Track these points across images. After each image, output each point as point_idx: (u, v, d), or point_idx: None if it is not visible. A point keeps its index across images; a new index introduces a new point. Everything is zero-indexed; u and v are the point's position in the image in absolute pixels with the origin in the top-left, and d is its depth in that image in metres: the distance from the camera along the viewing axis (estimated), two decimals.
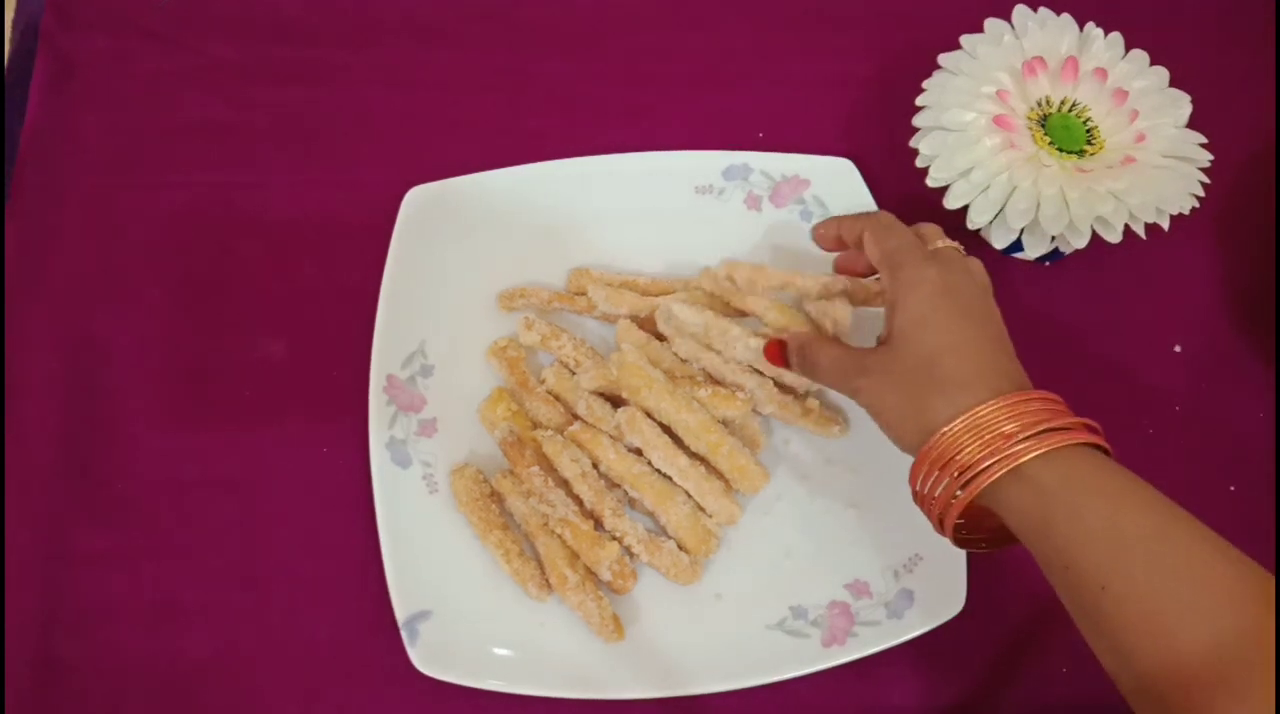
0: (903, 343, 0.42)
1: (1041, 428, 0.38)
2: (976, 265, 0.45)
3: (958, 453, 0.39)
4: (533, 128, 0.58)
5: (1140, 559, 0.36)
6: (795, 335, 0.48)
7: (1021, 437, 0.38)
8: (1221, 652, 0.34)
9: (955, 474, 0.39)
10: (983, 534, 0.43)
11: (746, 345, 0.50)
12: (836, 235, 0.49)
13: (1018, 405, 0.39)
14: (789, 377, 0.50)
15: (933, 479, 0.40)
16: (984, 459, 0.38)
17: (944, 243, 0.46)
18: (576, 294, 0.54)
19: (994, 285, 0.45)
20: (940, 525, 0.41)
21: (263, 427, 0.53)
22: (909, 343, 0.42)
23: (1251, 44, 0.62)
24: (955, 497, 0.39)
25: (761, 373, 0.51)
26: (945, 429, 0.39)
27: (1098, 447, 0.39)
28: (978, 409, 0.39)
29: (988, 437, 0.38)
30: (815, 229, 0.50)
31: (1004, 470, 0.38)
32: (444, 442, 0.52)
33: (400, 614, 0.48)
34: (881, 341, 0.44)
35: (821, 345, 0.46)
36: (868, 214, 0.48)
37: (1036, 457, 0.38)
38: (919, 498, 0.42)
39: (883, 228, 0.46)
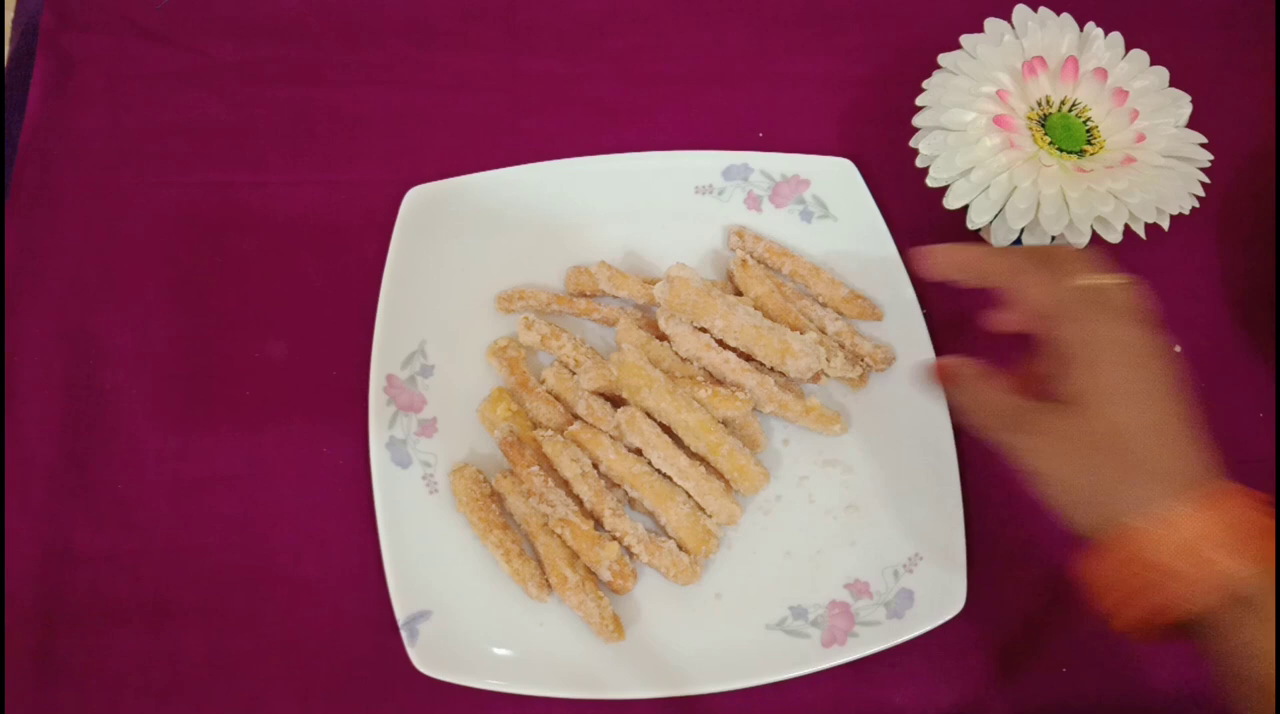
0: (1089, 409, 0.38)
1: (1246, 534, 0.35)
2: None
3: (1156, 558, 0.36)
4: (533, 128, 0.58)
5: None
6: (959, 364, 0.44)
7: (1227, 547, 0.35)
8: None
9: (1151, 581, 0.36)
10: (1161, 626, 0.38)
11: (748, 311, 0.51)
12: (960, 268, 0.42)
13: (1222, 508, 0.36)
14: (792, 370, 0.51)
15: (1117, 575, 0.37)
16: (1189, 572, 0.35)
17: (1107, 279, 0.40)
18: (576, 296, 0.54)
19: None
20: (1119, 621, 0.38)
21: (263, 426, 0.53)
22: (1096, 411, 0.38)
23: (1251, 44, 0.62)
24: (1149, 601, 0.36)
25: (762, 372, 0.51)
26: (1143, 526, 0.36)
27: None
28: (1181, 510, 0.36)
29: (1193, 549, 0.35)
30: (928, 257, 0.43)
31: (1214, 592, 0.35)
32: (444, 442, 0.52)
33: (400, 614, 0.48)
34: (1052, 398, 0.39)
35: (986, 384, 0.42)
36: (1014, 250, 0.43)
37: (1246, 572, 0.35)
38: (1092, 585, 0.38)
39: (1041, 269, 0.41)
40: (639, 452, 0.50)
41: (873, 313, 0.54)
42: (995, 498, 0.52)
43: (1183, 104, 0.51)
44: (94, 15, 0.60)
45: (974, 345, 0.54)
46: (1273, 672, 0.34)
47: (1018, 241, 0.52)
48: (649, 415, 0.50)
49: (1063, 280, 0.40)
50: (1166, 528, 0.36)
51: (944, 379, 0.45)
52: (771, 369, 0.52)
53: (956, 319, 0.55)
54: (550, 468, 0.50)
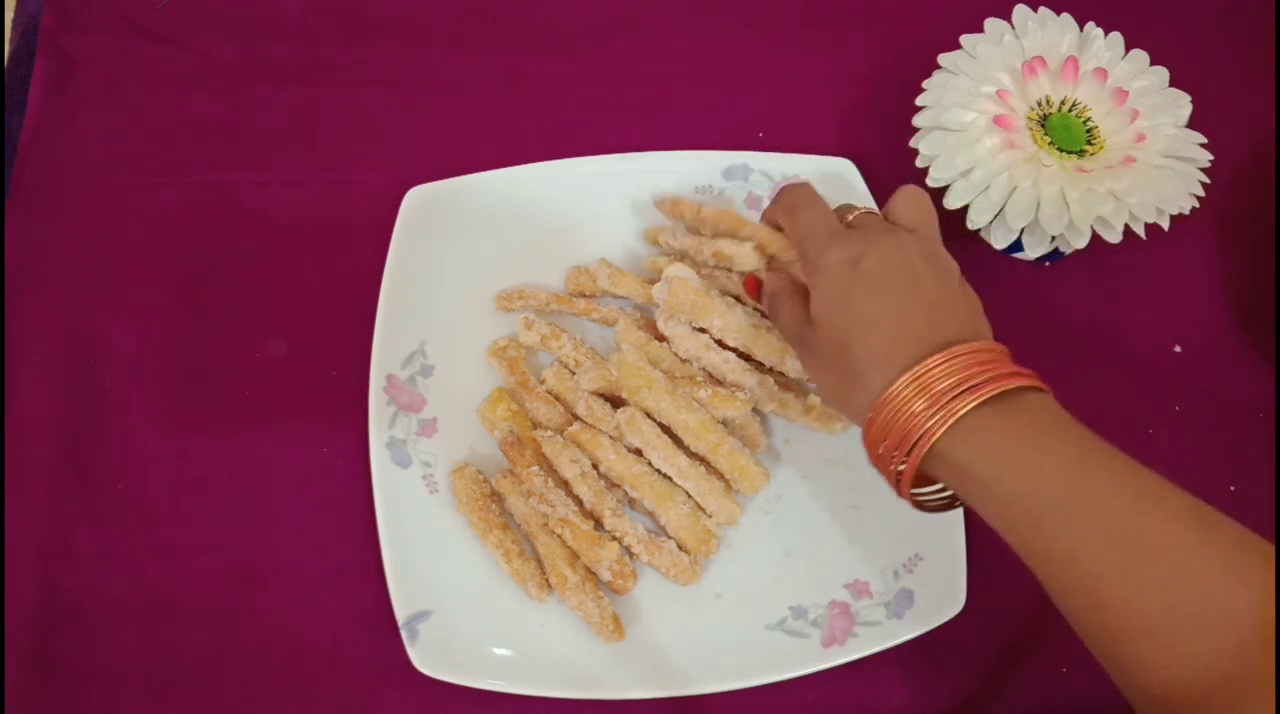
0: (819, 327, 0.43)
1: (949, 397, 0.38)
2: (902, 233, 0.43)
3: (884, 437, 0.40)
4: (533, 128, 0.58)
5: (1091, 530, 0.37)
6: (770, 279, 0.48)
7: (930, 414, 0.38)
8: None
9: (892, 452, 0.40)
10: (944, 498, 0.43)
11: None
12: (774, 223, 0.49)
13: (921, 379, 0.39)
14: (791, 370, 0.51)
15: (878, 452, 0.41)
16: (905, 442, 0.39)
17: (859, 212, 0.46)
18: (575, 296, 0.54)
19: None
20: (898, 491, 0.42)
21: (263, 427, 0.53)
22: (823, 327, 0.43)
23: (1251, 43, 0.62)
24: (899, 471, 0.40)
25: (762, 371, 0.51)
26: (870, 415, 0.40)
27: (1023, 389, 0.39)
28: (889, 391, 0.39)
29: (901, 421, 0.39)
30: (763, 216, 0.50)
31: (923, 452, 0.39)
32: (444, 442, 0.52)
33: (400, 614, 0.48)
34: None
35: (785, 299, 0.46)
36: (780, 194, 0.47)
37: (946, 433, 0.38)
38: (874, 460, 0.42)
39: (787, 211, 0.46)
40: (639, 452, 0.50)
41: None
42: None
43: (1183, 104, 0.51)
44: (94, 15, 0.60)
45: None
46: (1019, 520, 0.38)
47: (1018, 242, 0.52)
48: (649, 415, 0.50)
49: (805, 219, 0.45)
50: (883, 413, 0.40)
51: (754, 294, 0.49)
52: (771, 369, 0.52)
53: None
54: (550, 468, 0.50)
